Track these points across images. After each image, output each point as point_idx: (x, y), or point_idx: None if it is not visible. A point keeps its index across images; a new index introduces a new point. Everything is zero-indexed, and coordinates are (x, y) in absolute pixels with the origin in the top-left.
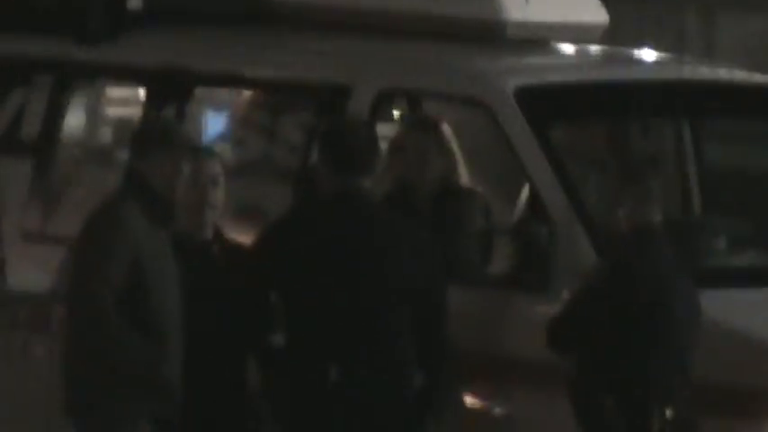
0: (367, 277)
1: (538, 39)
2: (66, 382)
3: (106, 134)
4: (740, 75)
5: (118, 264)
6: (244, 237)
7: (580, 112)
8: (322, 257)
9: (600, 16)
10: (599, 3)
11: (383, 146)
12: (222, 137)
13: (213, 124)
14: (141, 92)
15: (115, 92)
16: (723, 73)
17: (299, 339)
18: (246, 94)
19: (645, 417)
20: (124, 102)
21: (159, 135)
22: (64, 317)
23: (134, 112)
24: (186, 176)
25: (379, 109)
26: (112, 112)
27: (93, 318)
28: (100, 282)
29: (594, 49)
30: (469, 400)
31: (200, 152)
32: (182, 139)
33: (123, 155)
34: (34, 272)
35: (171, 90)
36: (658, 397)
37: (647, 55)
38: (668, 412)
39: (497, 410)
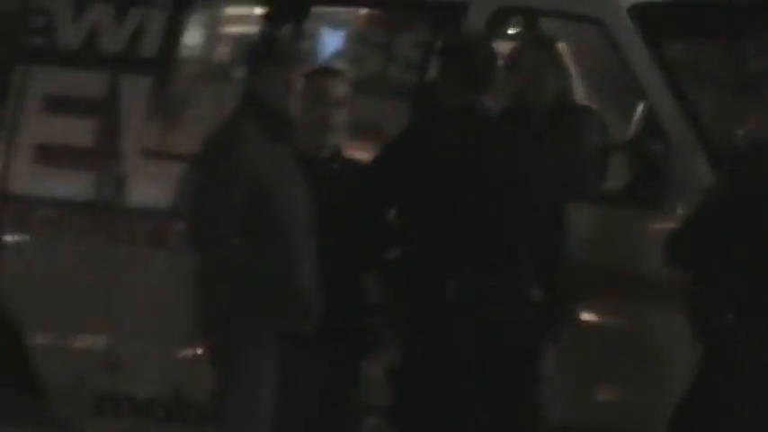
0: (488, 190)
1: None
2: (198, 298)
3: (225, 52)
4: None
5: (236, 186)
6: (363, 154)
7: (696, 29)
8: (444, 171)
9: None
10: None
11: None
12: (339, 54)
13: (330, 42)
14: (260, 10)
15: (234, 9)
16: None
17: (418, 254)
18: (363, 11)
19: (764, 331)
20: (243, 19)
21: (271, 51)
22: (189, 237)
23: (252, 30)
24: (304, 94)
25: (495, 26)
26: (231, 29)
27: (216, 243)
28: (220, 207)
29: None
30: (586, 315)
31: (324, 72)
32: (294, 54)
33: (242, 72)
34: (154, 188)
35: (288, 8)
36: None
37: None
38: None
39: (614, 326)
